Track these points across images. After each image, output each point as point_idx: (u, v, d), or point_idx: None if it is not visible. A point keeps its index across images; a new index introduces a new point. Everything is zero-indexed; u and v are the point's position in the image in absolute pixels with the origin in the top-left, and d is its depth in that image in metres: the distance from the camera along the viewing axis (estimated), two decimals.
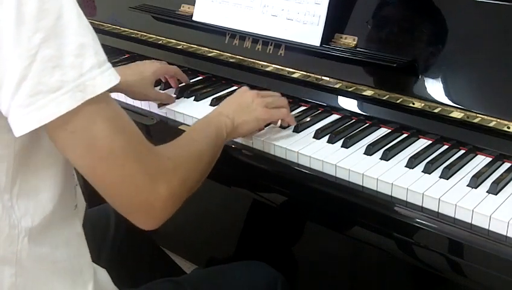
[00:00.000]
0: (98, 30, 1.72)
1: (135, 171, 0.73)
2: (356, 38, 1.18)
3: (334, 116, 1.18)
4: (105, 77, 0.69)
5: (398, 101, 1.11)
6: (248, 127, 1.05)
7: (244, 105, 1.05)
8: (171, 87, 1.35)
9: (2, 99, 0.66)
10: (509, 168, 0.97)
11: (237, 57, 1.35)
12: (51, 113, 0.66)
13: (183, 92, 1.30)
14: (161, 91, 1.31)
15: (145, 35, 1.55)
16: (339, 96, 1.20)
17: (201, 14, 1.39)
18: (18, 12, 0.63)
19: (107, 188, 0.74)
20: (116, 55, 1.58)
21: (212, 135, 0.95)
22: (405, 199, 0.93)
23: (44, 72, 0.65)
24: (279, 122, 1.12)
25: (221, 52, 1.38)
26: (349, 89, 1.17)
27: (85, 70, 0.67)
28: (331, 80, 1.20)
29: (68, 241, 0.82)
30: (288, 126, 1.13)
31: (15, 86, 0.64)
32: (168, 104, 1.27)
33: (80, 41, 0.67)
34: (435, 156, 1.00)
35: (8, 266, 0.76)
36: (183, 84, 1.35)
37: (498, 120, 1.00)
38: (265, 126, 1.11)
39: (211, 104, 1.25)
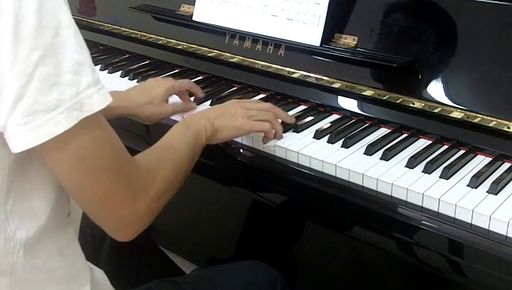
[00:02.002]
0: (98, 30, 1.74)
1: (118, 188, 0.74)
2: (356, 38, 1.18)
3: (334, 116, 1.18)
4: (101, 95, 0.69)
5: (398, 101, 1.11)
6: (227, 134, 1.03)
7: (227, 112, 1.04)
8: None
9: None
10: (509, 168, 0.97)
11: (237, 57, 1.35)
12: (48, 132, 0.65)
13: None
14: (176, 102, 1.23)
15: (145, 35, 1.55)
16: (339, 96, 1.20)
17: (201, 14, 1.39)
18: (16, 29, 0.62)
19: (89, 204, 0.75)
20: (116, 55, 1.58)
21: (191, 141, 0.94)
22: (405, 199, 0.93)
23: (42, 90, 0.64)
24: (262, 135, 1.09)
25: (221, 52, 1.38)
26: (349, 89, 1.17)
27: (82, 88, 0.67)
28: (331, 80, 1.20)
29: (62, 250, 0.82)
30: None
31: (12, 104, 0.64)
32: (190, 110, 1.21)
33: (77, 59, 0.67)
34: (435, 156, 1.00)
35: (3, 277, 0.76)
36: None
37: (498, 120, 1.00)
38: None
39: (211, 105, 1.25)
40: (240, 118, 1.04)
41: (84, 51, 0.68)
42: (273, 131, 1.08)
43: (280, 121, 1.11)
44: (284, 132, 1.11)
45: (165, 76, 1.41)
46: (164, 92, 1.16)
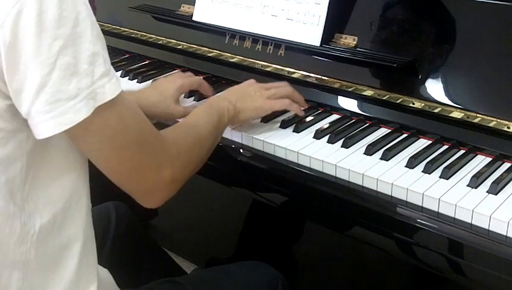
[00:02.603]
0: None
1: (145, 160, 0.79)
2: (356, 38, 1.18)
3: (334, 116, 1.18)
4: (112, 84, 0.72)
5: (398, 101, 1.11)
6: (248, 115, 1.08)
7: (247, 94, 1.09)
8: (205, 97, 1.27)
9: (22, 104, 0.68)
10: (509, 168, 0.97)
11: (237, 57, 1.35)
12: (71, 120, 0.68)
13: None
14: (187, 105, 1.23)
15: (145, 35, 1.55)
16: (339, 96, 1.20)
17: (201, 14, 1.39)
18: (39, 20, 0.64)
19: (119, 176, 0.80)
20: (116, 55, 1.58)
21: (214, 120, 0.98)
22: (405, 199, 0.93)
23: (64, 80, 0.67)
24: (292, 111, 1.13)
25: (221, 52, 1.38)
26: (349, 89, 1.17)
27: (96, 78, 0.70)
28: (331, 80, 1.20)
29: (78, 240, 0.83)
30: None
31: (35, 93, 0.66)
32: None
33: (92, 50, 0.69)
34: (435, 156, 1.00)
35: (17, 270, 0.77)
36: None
37: (498, 120, 1.00)
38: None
39: None
40: (260, 99, 1.09)
41: (98, 41, 0.71)
42: (294, 105, 1.12)
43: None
44: (284, 132, 1.11)
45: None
46: (175, 91, 1.17)
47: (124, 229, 1.18)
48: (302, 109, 1.15)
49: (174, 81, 1.19)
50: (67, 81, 0.67)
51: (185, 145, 0.88)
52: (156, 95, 1.16)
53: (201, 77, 1.40)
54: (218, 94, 1.11)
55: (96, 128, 0.72)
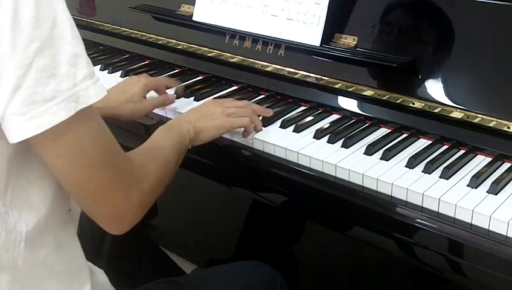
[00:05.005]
0: (98, 30, 1.74)
1: (112, 180, 0.76)
2: (356, 38, 1.18)
3: (334, 116, 1.18)
4: (96, 87, 0.71)
5: (398, 101, 1.11)
6: (209, 134, 1.06)
7: (207, 113, 1.07)
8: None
9: None
10: (509, 168, 0.97)
11: (237, 57, 1.35)
12: (46, 122, 0.66)
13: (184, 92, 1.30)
14: (155, 97, 1.23)
15: (145, 35, 1.55)
16: (339, 96, 1.20)
17: (201, 14, 1.39)
18: (14, 21, 0.63)
19: (84, 197, 0.76)
20: (116, 55, 1.58)
21: (176, 142, 0.97)
22: (405, 199, 0.93)
23: (40, 81, 0.65)
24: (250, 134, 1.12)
25: (221, 52, 1.38)
26: (349, 89, 1.17)
27: (78, 80, 0.68)
28: (331, 80, 1.20)
29: (62, 245, 0.82)
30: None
31: (10, 94, 0.65)
32: (171, 103, 1.24)
33: (73, 52, 0.68)
34: (435, 156, 1.00)
35: (5, 273, 0.76)
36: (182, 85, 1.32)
37: (498, 120, 1.00)
38: None
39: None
40: (220, 117, 1.07)
41: (79, 43, 0.69)
42: (253, 125, 1.11)
43: (261, 117, 1.14)
44: (284, 132, 1.11)
45: (165, 76, 1.41)
46: (141, 90, 1.18)
47: None
48: (269, 116, 1.15)
49: (140, 81, 1.20)
50: (44, 83, 0.65)
51: (151, 167, 0.85)
52: (122, 96, 1.16)
53: (201, 77, 1.40)
54: (178, 116, 1.10)
55: (66, 139, 0.69)
